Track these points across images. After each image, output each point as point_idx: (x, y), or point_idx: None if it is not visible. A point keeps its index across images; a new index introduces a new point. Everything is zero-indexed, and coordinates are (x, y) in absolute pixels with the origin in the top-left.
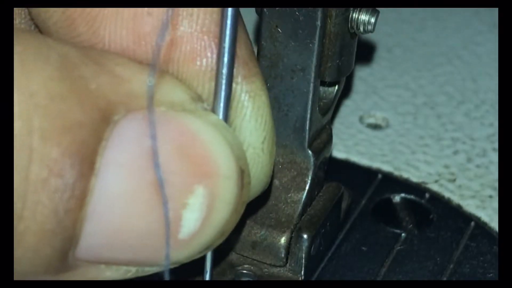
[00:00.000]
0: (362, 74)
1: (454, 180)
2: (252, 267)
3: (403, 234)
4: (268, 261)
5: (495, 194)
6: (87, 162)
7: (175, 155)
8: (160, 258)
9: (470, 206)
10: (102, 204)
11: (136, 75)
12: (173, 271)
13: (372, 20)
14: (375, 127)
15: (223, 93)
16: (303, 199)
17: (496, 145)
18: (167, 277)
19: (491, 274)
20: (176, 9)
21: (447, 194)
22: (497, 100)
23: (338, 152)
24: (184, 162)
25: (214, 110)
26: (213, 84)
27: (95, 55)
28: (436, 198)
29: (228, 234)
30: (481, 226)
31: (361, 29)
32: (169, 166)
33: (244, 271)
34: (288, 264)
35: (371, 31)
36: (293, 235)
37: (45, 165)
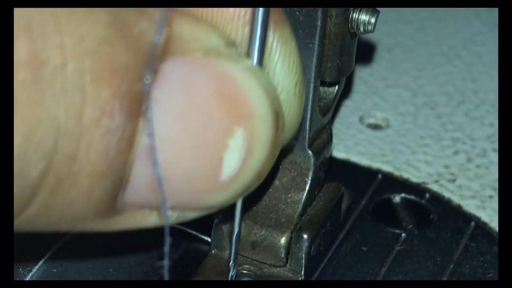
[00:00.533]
0: (362, 74)
1: (454, 180)
2: (252, 267)
3: (403, 234)
4: (268, 261)
5: (495, 194)
6: (135, 104)
7: (214, 99)
8: (202, 201)
9: (470, 206)
10: (150, 147)
11: (174, 21)
12: (173, 271)
13: (372, 20)
14: (375, 127)
15: (258, 38)
16: (303, 199)
17: (496, 145)
18: (167, 277)
19: (491, 274)
20: (172, 9)
21: (447, 194)
22: (497, 100)
23: (338, 152)
24: (223, 105)
25: (248, 55)
26: (246, 29)
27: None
28: (436, 198)
29: (264, 177)
30: (481, 226)
31: (361, 29)
32: (210, 110)
33: (244, 271)
34: (288, 264)
35: (371, 31)
36: (293, 235)
37: (97, 106)
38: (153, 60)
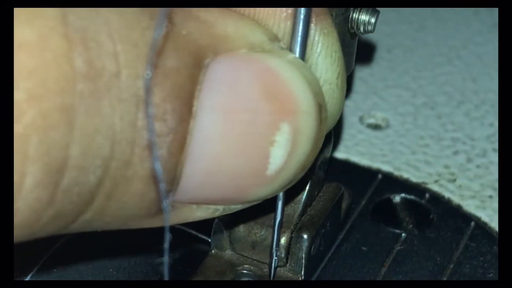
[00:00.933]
0: (362, 74)
1: (454, 180)
2: (252, 267)
3: (403, 234)
4: (268, 261)
5: (495, 194)
6: (186, 106)
7: (260, 95)
8: (248, 196)
9: (470, 206)
10: (200, 146)
11: (218, 20)
12: (173, 271)
13: (372, 20)
14: (375, 127)
15: (300, 32)
16: (303, 199)
17: (496, 145)
18: (167, 277)
19: (491, 274)
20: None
21: (447, 194)
22: (497, 100)
23: (338, 152)
24: (269, 101)
25: (290, 49)
26: (288, 23)
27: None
28: (436, 198)
29: (307, 168)
30: (481, 226)
31: (361, 29)
32: (256, 107)
33: (244, 271)
34: (288, 264)
35: (371, 31)
36: (293, 235)
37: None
38: (153, 55)
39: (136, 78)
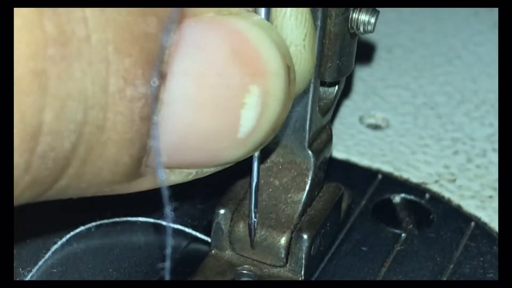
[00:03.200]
0: (362, 74)
1: (454, 180)
2: (252, 267)
3: (403, 234)
4: (268, 261)
5: (495, 194)
6: (156, 71)
7: (229, 58)
8: (221, 158)
9: (470, 206)
10: (172, 111)
11: None
12: (173, 271)
13: (372, 20)
14: (375, 127)
15: None
16: (303, 199)
17: (496, 145)
18: (167, 277)
19: (491, 274)
20: (182, 9)
21: (447, 194)
22: (497, 100)
23: (338, 152)
24: (238, 63)
25: (256, 11)
26: None
27: None
28: (436, 198)
29: (278, 130)
30: (481, 226)
31: (361, 29)
32: (225, 70)
33: (244, 271)
34: (288, 264)
35: (371, 31)
36: (293, 235)
37: (120, 76)
38: (161, 63)
39: (106, 43)
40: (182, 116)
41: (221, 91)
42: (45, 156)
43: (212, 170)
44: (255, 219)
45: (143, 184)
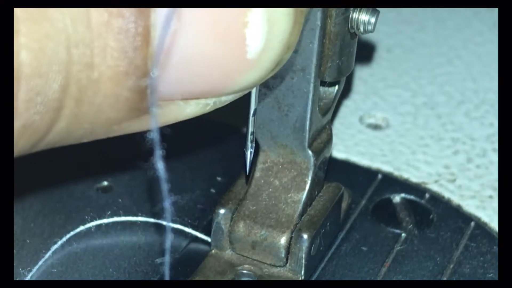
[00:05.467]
0: (362, 74)
1: (454, 180)
2: (252, 267)
3: (403, 234)
4: (268, 261)
5: (495, 194)
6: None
7: None
8: (235, 83)
9: (470, 206)
10: (168, 37)
11: None
12: (173, 271)
13: (372, 20)
14: (375, 127)
15: None
16: (303, 199)
17: (496, 145)
18: (167, 277)
19: (491, 274)
20: (178, 8)
21: (447, 194)
22: (497, 100)
23: (338, 152)
24: None
25: None
26: None
27: None
28: (436, 198)
29: (293, 48)
30: (481, 226)
31: (361, 29)
32: None
33: (244, 271)
34: (288, 264)
35: (371, 31)
36: (293, 235)
37: (103, 9)
38: (159, 55)
39: None
40: (183, 42)
41: (218, 13)
42: (31, 100)
43: (230, 98)
44: (251, 149)
45: (159, 120)
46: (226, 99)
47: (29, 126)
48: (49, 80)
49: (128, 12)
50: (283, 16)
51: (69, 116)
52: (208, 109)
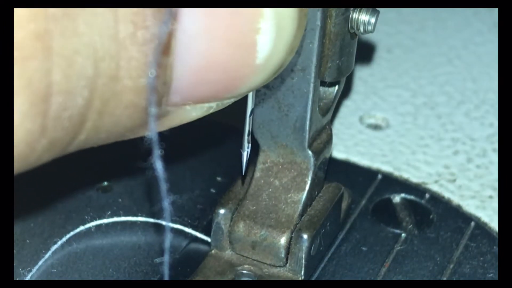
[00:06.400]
0: (362, 74)
1: (454, 180)
2: (252, 267)
3: (403, 234)
4: (268, 261)
5: (495, 194)
6: (165, 9)
7: None
8: (241, 87)
9: (470, 206)
10: (186, 46)
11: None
12: (173, 271)
13: (372, 20)
14: (375, 127)
15: None
16: (303, 199)
17: (496, 145)
18: (166, 277)
19: (491, 274)
20: (176, 8)
21: (447, 194)
22: (497, 100)
23: (338, 152)
24: None
25: None
26: None
27: None
28: (436, 198)
29: (296, 49)
30: (481, 226)
31: (361, 29)
32: None
33: (244, 271)
34: (288, 264)
35: (371, 31)
36: (293, 235)
37: (129, 21)
38: (158, 54)
39: None
40: (197, 50)
41: (234, 19)
42: (59, 117)
43: (232, 100)
44: (248, 149)
45: (168, 123)
46: (228, 102)
47: (55, 142)
48: (76, 96)
49: (152, 23)
50: (290, 20)
51: (90, 128)
52: (211, 111)
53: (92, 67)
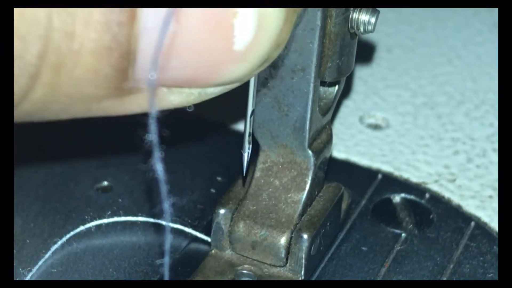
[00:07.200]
0: (362, 74)
1: (454, 180)
2: (252, 267)
3: (403, 234)
4: (268, 261)
5: (495, 194)
6: None
7: None
8: (220, 75)
9: (470, 206)
10: (153, 19)
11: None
12: (173, 271)
13: (372, 20)
14: (375, 127)
15: None
16: (303, 199)
17: (496, 145)
18: (166, 277)
19: (491, 274)
20: (178, 9)
21: (447, 194)
22: (497, 100)
23: (338, 152)
24: None
25: None
26: None
27: None
28: (436, 198)
29: (283, 46)
30: (481, 226)
31: (361, 29)
32: None
33: (244, 271)
34: (288, 264)
35: (371, 31)
36: (293, 235)
37: None
38: (158, 56)
39: None
40: (166, 25)
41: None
42: None
43: (216, 91)
44: (248, 150)
45: (136, 103)
46: (212, 92)
47: None
48: (29, 44)
49: None
50: (274, 11)
51: (45, 85)
52: (192, 99)
53: (45, 17)
